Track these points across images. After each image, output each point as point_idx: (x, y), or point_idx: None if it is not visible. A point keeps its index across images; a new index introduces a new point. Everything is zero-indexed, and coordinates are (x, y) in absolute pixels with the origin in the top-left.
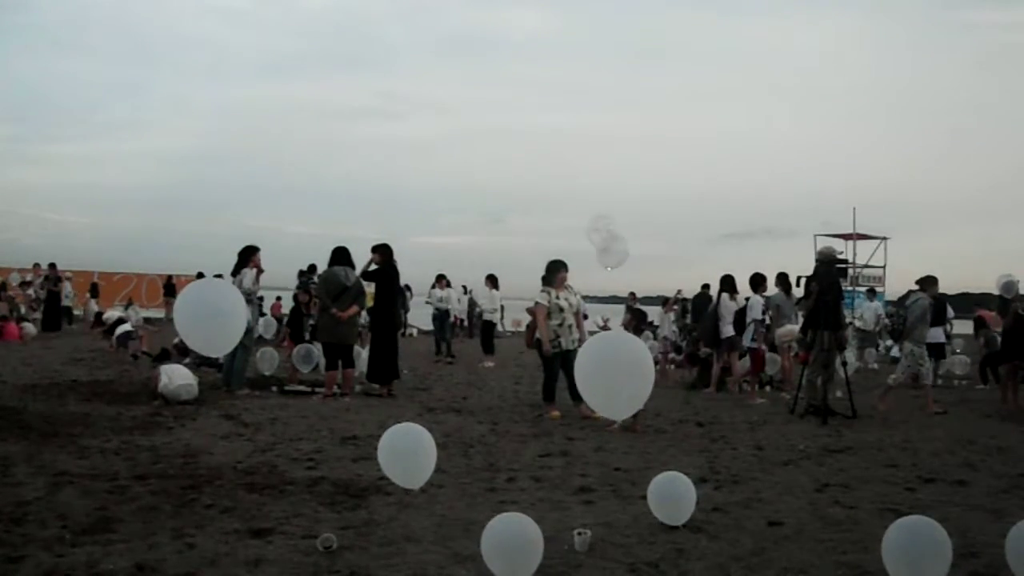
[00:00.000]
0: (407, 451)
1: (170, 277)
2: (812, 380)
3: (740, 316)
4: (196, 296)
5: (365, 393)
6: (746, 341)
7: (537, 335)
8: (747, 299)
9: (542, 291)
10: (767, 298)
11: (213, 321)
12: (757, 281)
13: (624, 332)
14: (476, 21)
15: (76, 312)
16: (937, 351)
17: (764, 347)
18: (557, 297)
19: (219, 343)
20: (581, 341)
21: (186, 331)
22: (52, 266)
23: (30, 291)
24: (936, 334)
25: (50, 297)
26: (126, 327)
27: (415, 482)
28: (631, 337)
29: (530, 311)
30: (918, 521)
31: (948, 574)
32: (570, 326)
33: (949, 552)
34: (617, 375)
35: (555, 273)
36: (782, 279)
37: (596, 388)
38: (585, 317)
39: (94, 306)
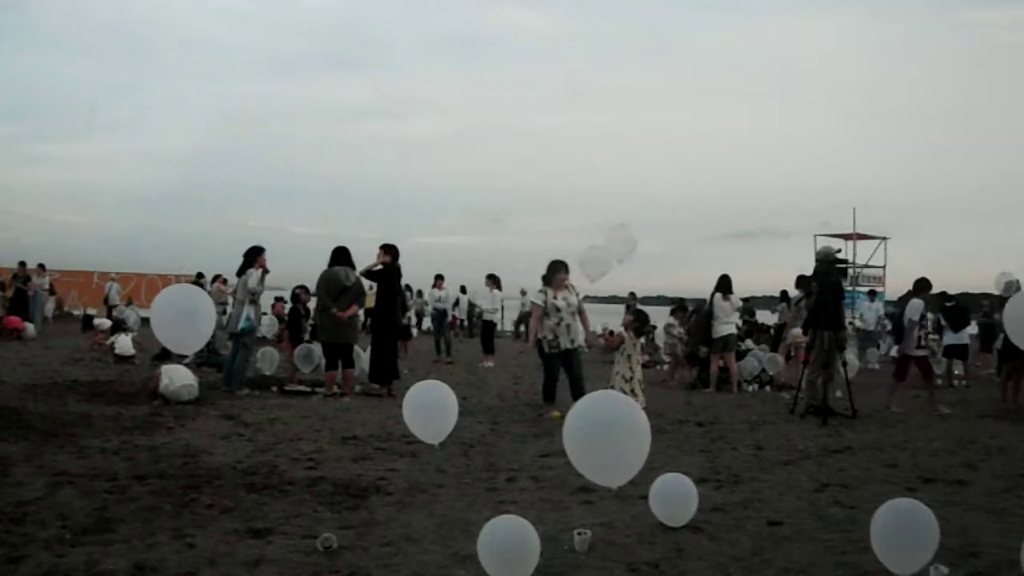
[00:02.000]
0: (431, 405)
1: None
2: (812, 380)
3: (899, 320)
4: (167, 299)
5: (365, 393)
6: (909, 349)
7: (538, 335)
8: (907, 302)
9: (539, 291)
10: (791, 297)
11: (182, 321)
12: (921, 285)
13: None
14: (476, 21)
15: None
16: (960, 352)
17: (931, 351)
18: (555, 297)
19: (189, 341)
20: (586, 341)
21: (160, 331)
22: (22, 264)
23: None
24: (960, 336)
25: (17, 295)
26: (126, 343)
27: (437, 436)
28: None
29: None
30: (903, 503)
31: (948, 572)
32: (568, 326)
33: (936, 533)
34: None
35: (554, 274)
36: (802, 282)
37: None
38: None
39: (52, 305)
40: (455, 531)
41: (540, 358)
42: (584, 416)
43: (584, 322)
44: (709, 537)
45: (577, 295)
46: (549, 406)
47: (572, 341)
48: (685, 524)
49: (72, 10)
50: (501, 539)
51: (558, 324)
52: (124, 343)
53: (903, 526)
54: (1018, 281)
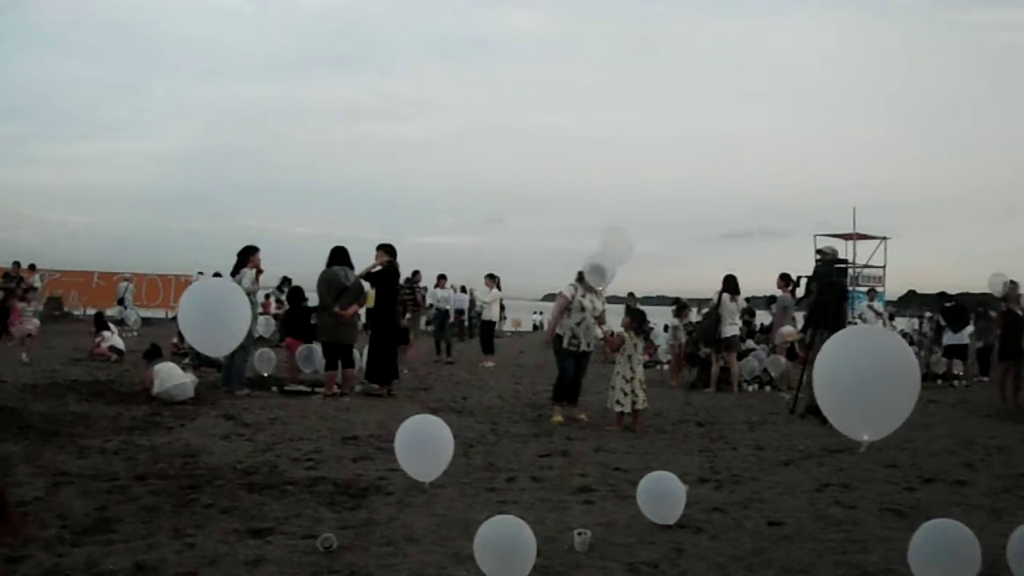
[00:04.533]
0: (424, 443)
1: (200, 274)
2: (812, 380)
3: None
4: (198, 297)
5: (365, 393)
6: None
7: (557, 330)
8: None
9: (570, 284)
10: (777, 298)
11: (214, 321)
12: None
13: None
14: (476, 21)
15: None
16: (959, 353)
17: None
18: (583, 296)
19: (220, 343)
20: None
21: (189, 332)
22: (16, 264)
23: None
24: (960, 336)
25: (7, 297)
26: (115, 339)
27: (428, 475)
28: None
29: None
30: (946, 524)
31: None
32: (587, 328)
33: (978, 557)
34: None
35: (588, 276)
36: (785, 279)
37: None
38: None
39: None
40: (455, 531)
41: (555, 354)
42: (844, 354)
43: (601, 325)
44: (709, 537)
45: (603, 302)
46: (557, 406)
47: (588, 344)
48: (684, 524)
49: (72, 10)
50: (497, 539)
51: (578, 324)
52: (115, 339)
53: (946, 551)
54: (1011, 282)
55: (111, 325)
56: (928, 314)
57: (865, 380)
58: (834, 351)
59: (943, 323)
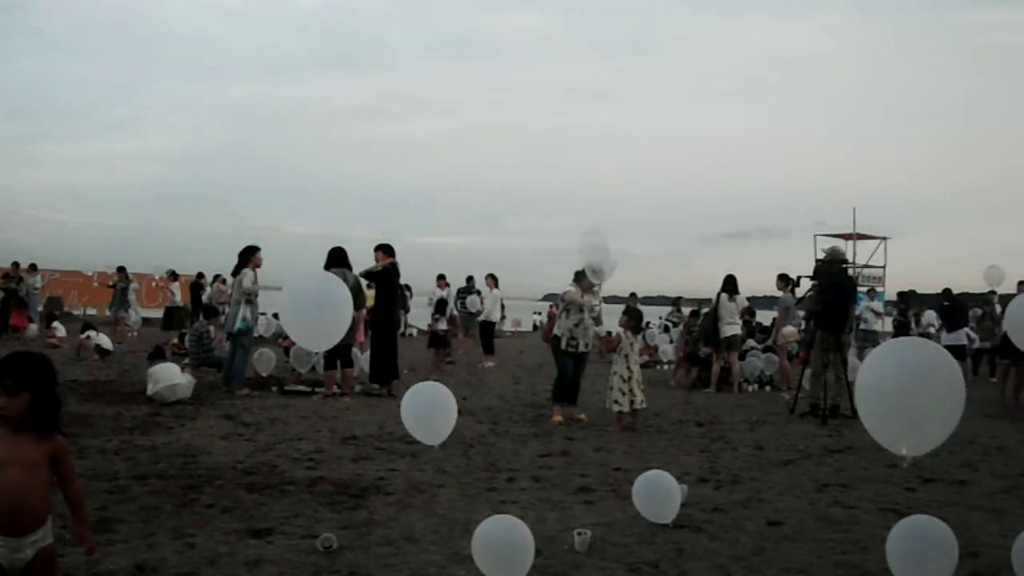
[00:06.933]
0: (429, 408)
1: (200, 275)
2: (812, 380)
3: None
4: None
5: (365, 393)
6: None
7: (555, 331)
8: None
9: (572, 283)
10: (776, 299)
11: (318, 313)
12: None
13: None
14: (476, 21)
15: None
16: (958, 353)
17: None
18: (582, 296)
19: (323, 337)
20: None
21: (291, 326)
22: (15, 265)
23: None
24: (958, 336)
25: (8, 296)
26: (101, 338)
27: (436, 438)
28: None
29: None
30: (922, 520)
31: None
32: (586, 328)
33: (955, 551)
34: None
35: (585, 277)
36: (785, 279)
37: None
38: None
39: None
40: (455, 531)
41: (554, 355)
42: (889, 365)
43: (599, 325)
44: (709, 537)
45: (599, 302)
46: (556, 407)
47: (587, 344)
48: (684, 524)
49: (72, 10)
50: (494, 539)
51: (576, 325)
52: (102, 338)
53: (925, 548)
54: (1020, 283)
55: (95, 326)
56: (929, 312)
57: (909, 393)
58: (879, 363)
59: (902, 317)
